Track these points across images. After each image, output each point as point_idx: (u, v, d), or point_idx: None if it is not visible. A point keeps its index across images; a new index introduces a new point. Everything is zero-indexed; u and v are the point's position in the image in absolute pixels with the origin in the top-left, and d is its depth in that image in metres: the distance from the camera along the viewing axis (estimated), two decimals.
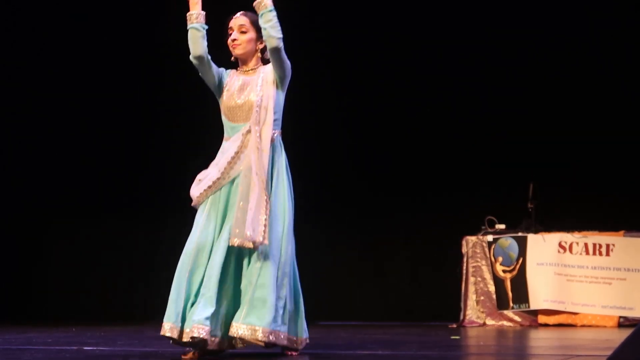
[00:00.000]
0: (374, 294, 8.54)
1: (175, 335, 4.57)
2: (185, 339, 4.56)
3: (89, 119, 9.10)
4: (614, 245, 7.62)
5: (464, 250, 7.95)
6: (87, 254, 9.04)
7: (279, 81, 4.86)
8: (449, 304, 7.98)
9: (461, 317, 7.87)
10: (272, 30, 4.74)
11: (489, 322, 7.82)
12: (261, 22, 4.77)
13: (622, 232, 7.66)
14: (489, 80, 8.51)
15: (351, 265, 8.53)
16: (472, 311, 7.86)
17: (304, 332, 4.71)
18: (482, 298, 7.89)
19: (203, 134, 8.43)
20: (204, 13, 4.90)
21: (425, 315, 8.17)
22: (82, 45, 8.99)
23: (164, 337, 4.61)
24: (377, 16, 8.64)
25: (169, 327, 4.60)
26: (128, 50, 9.03)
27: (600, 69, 8.29)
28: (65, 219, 9.04)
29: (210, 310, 4.56)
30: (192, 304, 4.63)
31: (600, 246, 7.64)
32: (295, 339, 4.68)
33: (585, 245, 7.68)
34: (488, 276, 7.88)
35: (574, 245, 7.69)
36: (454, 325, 7.77)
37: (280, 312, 4.63)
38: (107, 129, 9.05)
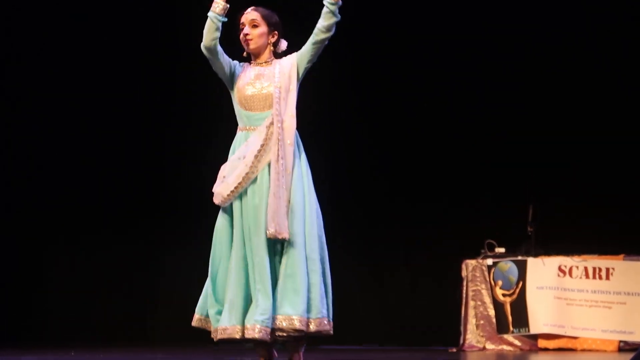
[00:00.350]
0: (373, 317, 8.47)
1: (237, 335, 4.64)
2: (247, 336, 4.64)
3: (87, 138, 8.99)
4: (613, 269, 7.55)
5: (463, 273, 7.88)
6: (86, 277, 8.92)
7: (302, 71, 4.94)
8: (449, 328, 7.92)
9: (461, 341, 7.80)
10: (335, 17, 4.85)
11: (489, 346, 7.74)
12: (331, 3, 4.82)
13: (621, 255, 7.60)
14: (486, 107, 8.46)
15: (350, 290, 8.43)
16: (472, 335, 7.78)
17: (331, 314, 4.79)
18: (482, 322, 7.81)
19: (201, 153, 8.37)
20: (227, 6, 4.97)
21: (425, 339, 8.13)
22: (83, 46, 8.91)
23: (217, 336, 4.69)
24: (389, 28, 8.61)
25: (230, 331, 4.65)
26: (131, 58, 8.95)
27: (605, 91, 8.26)
28: (64, 242, 8.96)
29: (269, 303, 4.63)
30: (244, 301, 4.72)
31: (600, 270, 7.57)
32: (329, 322, 4.75)
33: (585, 269, 7.61)
34: (488, 300, 7.81)
35: (574, 269, 7.63)
36: (454, 350, 7.72)
37: (318, 297, 4.71)
38: (107, 149, 8.96)
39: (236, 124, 5.00)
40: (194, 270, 8.56)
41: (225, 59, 4.96)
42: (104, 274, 8.90)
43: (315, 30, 4.89)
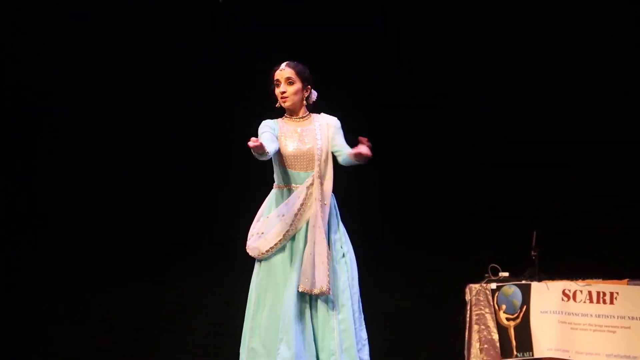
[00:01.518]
0: (377, 342, 8.34)
1: None
2: None
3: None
4: (617, 293, 7.41)
5: (467, 297, 7.77)
6: (88, 304, 8.82)
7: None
8: (453, 353, 7.86)
9: None
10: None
11: None
12: (356, 159, 4.97)
13: (626, 280, 7.47)
14: (488, 135, 8.41)
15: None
16: (476, 359, 7.69)
17: None
18: (485, 346, 7.67)
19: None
20: (266, 150, 4.98)
21: None
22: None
23: None
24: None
25: None
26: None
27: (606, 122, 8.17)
28: (67, 269, 8.81)
29: (289, 352, 4.82)
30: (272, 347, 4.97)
31: (604, 294, 7.44)
32: None
33: (589, 293, 7.49)
34: (492, 324, 7.67)
35: (578, 293, 7.51)
36: None
37: (365, 349, 5.13)
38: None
39: (269, 182, 5.09)
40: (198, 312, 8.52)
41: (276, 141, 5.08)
42: (104, 302, 8.77)
43: (339, 156, 5.09)
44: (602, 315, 7.41)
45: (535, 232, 7.74)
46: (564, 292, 7.52)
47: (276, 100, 5.09)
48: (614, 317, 7.39)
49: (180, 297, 8.70)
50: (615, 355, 7.34)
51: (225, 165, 8.41)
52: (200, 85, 8.63)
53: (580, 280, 7.52)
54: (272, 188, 5.19)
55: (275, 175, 5.10)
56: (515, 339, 7.59)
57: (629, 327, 7.34)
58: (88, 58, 8.76)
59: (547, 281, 7.60)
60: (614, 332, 7.38)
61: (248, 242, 5.08)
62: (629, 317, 7.35)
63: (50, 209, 8.90)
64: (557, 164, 8.24)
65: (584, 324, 7.45)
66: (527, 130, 8.32)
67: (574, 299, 7.49)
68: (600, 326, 7.42)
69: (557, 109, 8.29)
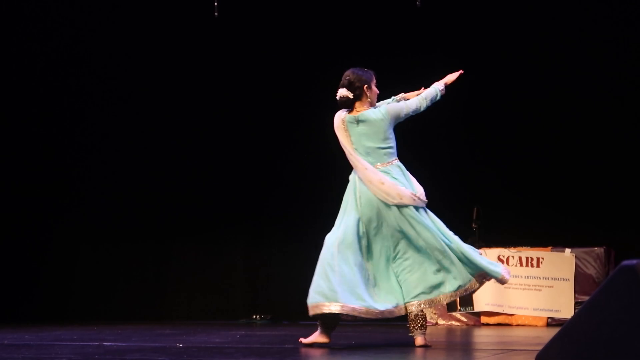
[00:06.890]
0: None
1: None
2: None
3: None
4: (543, 258, 7.59)
5: None
6: (107, 266, 8.90)
7: None
8: None
9: None
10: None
11: (441, 322, 7.77)
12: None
13: (549, 247, 7.64)
14: (444, 132, 8.35)
15: None
16: (427, 312, 7.73)
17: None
18: None
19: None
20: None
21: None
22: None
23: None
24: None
25: None
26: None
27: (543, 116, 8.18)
28: (90, 235, 8.92)
29: None
30: None
31: (532, 259, 7.61)
32: None
33: (520, 258, 7.64)
34: None
35: (511, 258, 7.66)
36: None
37: None
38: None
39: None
40: (199, 264, 8.57)
41: None
42: (121, 263, 8.86)
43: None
44: (530, 277, 7.58)
45: (476, 208, 7.89)
46: (499, 257, 7.63)
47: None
48: (540, 278, 7.55)
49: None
50: (540, 309, 7.51)
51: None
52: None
53: (512, 248, 7.68)
54: None
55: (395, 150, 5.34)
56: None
57: (552, 287, 7.52)
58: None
59: (485, 248, 7.67)
60: (540, 290, 7.54)
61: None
62: (552, 278, 7.53)
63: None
64: (494, 157, 8.27)
65: (515, 284, 7.55)
66: (472, 134, 8.34)
67: (507, 263, 7.61)
68: (529, 285, 7.57)
69: (495, 117, 8.25)
